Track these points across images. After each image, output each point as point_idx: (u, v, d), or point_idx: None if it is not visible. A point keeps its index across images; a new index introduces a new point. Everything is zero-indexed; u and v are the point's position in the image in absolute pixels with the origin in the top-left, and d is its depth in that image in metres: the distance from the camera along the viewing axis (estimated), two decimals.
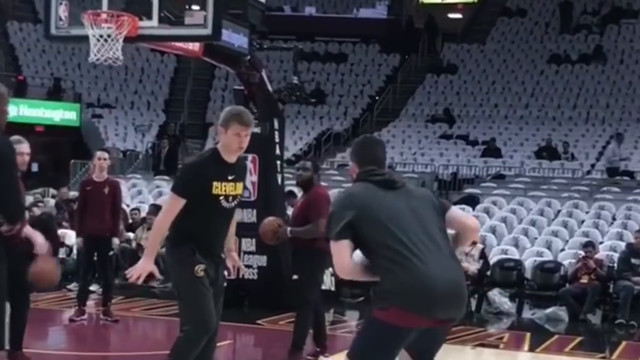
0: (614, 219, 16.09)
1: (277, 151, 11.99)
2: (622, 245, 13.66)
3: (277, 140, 11.91)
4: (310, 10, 30.87)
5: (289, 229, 7.97)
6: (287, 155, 21.74)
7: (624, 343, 10.37)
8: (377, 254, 4.31)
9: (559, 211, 16.62)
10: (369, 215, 4.35)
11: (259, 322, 10.15)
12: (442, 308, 4.24)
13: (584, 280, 12.47)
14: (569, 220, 15.84)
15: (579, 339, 10.63)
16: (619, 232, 14.88)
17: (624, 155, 21.21)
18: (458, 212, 4.76)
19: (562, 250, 14.33)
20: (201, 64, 24.26)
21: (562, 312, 12.31)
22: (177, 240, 5.42)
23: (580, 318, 12.16)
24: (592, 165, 22.62)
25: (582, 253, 12.86)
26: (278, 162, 11.97)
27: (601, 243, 14.49)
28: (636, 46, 28.50)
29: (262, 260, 11.38)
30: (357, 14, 30.59)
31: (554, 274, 13.10)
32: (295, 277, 7.99)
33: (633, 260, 12.57)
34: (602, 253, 13.76)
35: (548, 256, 13.96)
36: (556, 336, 10.69)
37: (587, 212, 16.56)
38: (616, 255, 13.20)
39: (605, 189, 18.83)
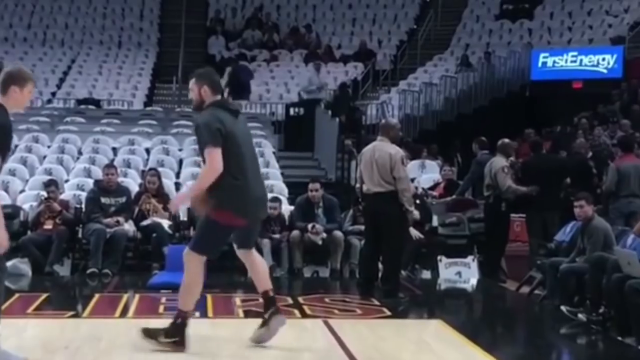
0: (80, 153, 15.72)
1: None
2: (91, 182, 13.30)
3: None
4: None
5: None
6: None
7: (97, 296, 9.96)
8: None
9: (16, 146, 15.74)
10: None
11: None
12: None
13: (49, 225, 11.96)
14: (28, 156, 15.12)
15: (44, 295, 9.98)
16: (86, 168, 14.55)
17: (321, 84, 20.63)
18: None
19: (22, 191, 13.58)
20: None
21: (24, 265, 11.56)
22: None
23: (46, 271, 11.56)
24: (53, 94, 22.06)
25: (44, 194, 12.27)
26: None
27: (67, 182, 14.04)
28: None
29: None
30: None
31: (12, 221, 12.23)
32: None
33: (103, 200, 12.28)
34: (68, 193, 13.31)
35: (6, 200, 13.10)
36: (17, 295, 9.89)
37: (49, 147, 15.96)
38: (84, 195, 12.82)
39: (69, 119, 18.36)
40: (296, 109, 20.58)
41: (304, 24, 26.90)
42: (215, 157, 6.55)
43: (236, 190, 6.69)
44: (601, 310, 8.65)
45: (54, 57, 24.32)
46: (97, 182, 12.85)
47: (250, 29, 26.33)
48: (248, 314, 8.74)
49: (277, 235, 12.27)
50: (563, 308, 9.09)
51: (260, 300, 7.31)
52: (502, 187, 12.07)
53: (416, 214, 11.60)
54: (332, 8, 27.99)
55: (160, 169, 13.82)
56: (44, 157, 15.38)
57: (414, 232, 12.00)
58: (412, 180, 13.22)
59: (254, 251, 7.23)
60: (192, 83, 6.96)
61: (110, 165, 13.11)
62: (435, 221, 12.95)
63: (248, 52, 25.35)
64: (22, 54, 24.07)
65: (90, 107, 20.50)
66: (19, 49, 24.47)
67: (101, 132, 16.98)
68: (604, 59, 22.74)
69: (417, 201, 12.23)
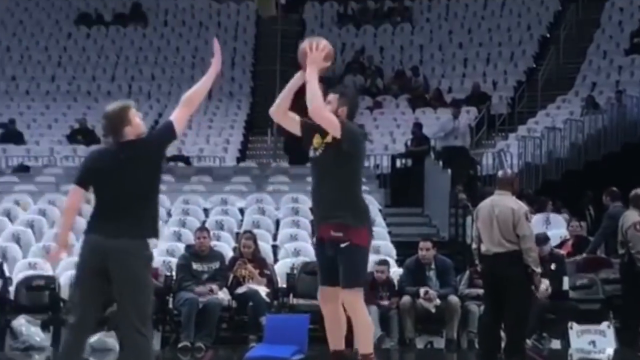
0: (169, 215, 15.94)
1: None
2: (181, 247, 13.47)
3: None
4: None
5: None
6: None
7: None
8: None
9: None
10: None
11: None
12: None
13: None
14: None
15: None
16: (176, 232, 14.72)
17: (455, 129, 20.77)
18: None
19: None
20: None
21: (111, 339, 11.73)
22: None
23: None
24: None
25: None
26: None
27: (155, 247, 14.19)
28: (180, 4, 29.02)
29: None
30: None
31: None
32: None
33: (195, 266, 12.36)
34: (157, 259, 13.38)
35: None
36: None
37: None
38: (174, 261, 12.97)
39: None
40: (403, 161, 20.60)
41: (409, 67, 27.01)
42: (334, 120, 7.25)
43: (367, 207, 7.49)
44: None
45: (139, 110, 24.55)
46: (188, 247, 12.99)
47: (351, 74, 26.57)
48: None
49: (385, 302, 12.23)
50: None
51: None
52: (634, 248, 11.84)
53: (545, 285, 11.44)
54: (440, 48, 28.07)
55: (255, 231, 13.90)
56: None
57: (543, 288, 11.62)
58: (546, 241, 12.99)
59: None
60: (334, 97, 7.47)
61: (202, 229, 13.23)
62: (565, 284, 12.73)
63: None
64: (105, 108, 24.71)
65: (180, 164, 20.87)
66: (103, 103, 24.99)
67: (191, 191, 17.25)
68: None
69: (553, 266, 12.08)
